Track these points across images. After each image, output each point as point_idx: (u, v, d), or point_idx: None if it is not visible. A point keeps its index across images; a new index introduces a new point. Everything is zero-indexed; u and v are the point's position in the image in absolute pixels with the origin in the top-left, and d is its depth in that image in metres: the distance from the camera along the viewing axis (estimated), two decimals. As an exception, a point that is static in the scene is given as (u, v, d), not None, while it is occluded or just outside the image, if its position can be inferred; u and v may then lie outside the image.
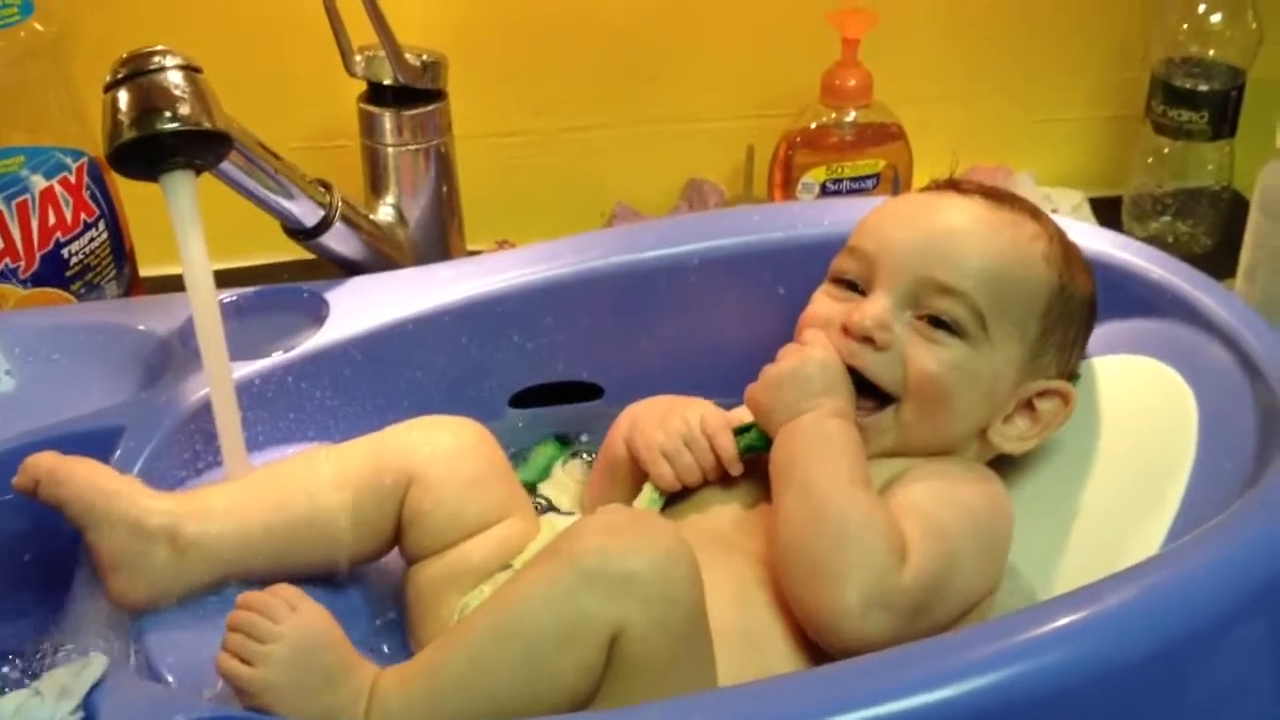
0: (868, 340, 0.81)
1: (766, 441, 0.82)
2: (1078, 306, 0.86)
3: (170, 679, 0.73)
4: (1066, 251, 0.86)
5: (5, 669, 0.78)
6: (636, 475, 0.87)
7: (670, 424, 0.85)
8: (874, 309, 0.82)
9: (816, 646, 0.74)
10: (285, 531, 0.79)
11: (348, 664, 0.68)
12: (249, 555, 0.78)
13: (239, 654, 0.66)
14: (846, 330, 0.82)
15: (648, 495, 0.85)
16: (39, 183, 1.03)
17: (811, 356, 0.81)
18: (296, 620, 0.67)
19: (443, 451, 0.82)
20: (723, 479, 0.85)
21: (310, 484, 0.81)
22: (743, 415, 0.85)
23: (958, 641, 0.68)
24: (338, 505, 0.80)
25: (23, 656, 0.78)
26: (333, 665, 0.67)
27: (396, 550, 0.84)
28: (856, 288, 0.85)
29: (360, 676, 0.68)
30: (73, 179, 1.06)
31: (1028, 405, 0.84)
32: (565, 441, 1.00)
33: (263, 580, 0.75)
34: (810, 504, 0.76)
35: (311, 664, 0.67)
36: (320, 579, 0.81)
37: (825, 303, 0.85)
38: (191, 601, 0.77)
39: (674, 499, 0.85)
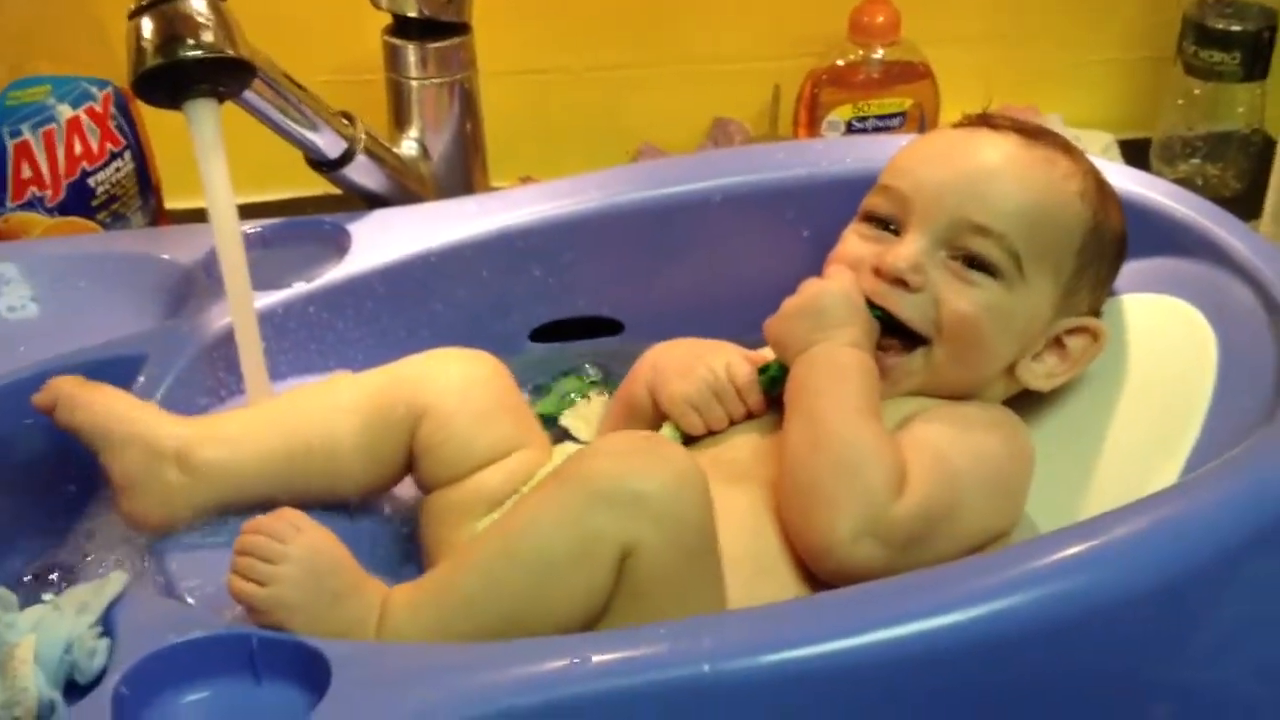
0: (900, 282, 0.81)
1: (787, 373, 0.81)
2: (1110, 243, 0.85)
3: (190, 602, 0.74)
4: (1100, 187, 0.85)
5: (27, 584, 0.80)
6: (657, 418, 0.87)
7: (696, 373, 0.84)
8: (907, 250, 0.81)
9: (826, 575, 0.75)
10: (298, 457, 0.80)
11: (357, 582, 0.69)
12: (261, 479, 0.79)
13: (249, 577, 0.67)
14: (878, 272, 0.81)
15: (668, 432, 0.85)
16: (65, 112, 1.04)
17: (829, 289, 0.81)
18: (303, 540, 0.68)
19: (455, 384, 0.83)
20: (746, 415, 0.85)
21: (324, 412, 0.81)
22: (767, 354, 0.85)
23: (963, 570, 0.68)
24: (350, 434, 0.81)
25: (44, 573, 0.80)
26: (342, 583, 0.68)
27: (410, 480, 0.85)
28: (888, 226, 0.84)
29: (369, 595, 0.69)
30: (99, 109, 1.06)
31: (1057, 342, 0.84)
32: (589, 375, 1.01)
33: (275, 505, 0.75)
34: (813, 431, 0.76)
35: (321, 582, 0.68)
36: (333, 506, 0.82)
37: (856, 242, 0.85)
38: (211, 526, 0.78)
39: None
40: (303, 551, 0.68)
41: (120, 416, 0.77)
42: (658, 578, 0.67)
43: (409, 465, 0.83)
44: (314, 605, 0.67)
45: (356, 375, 0.85)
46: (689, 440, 0.85)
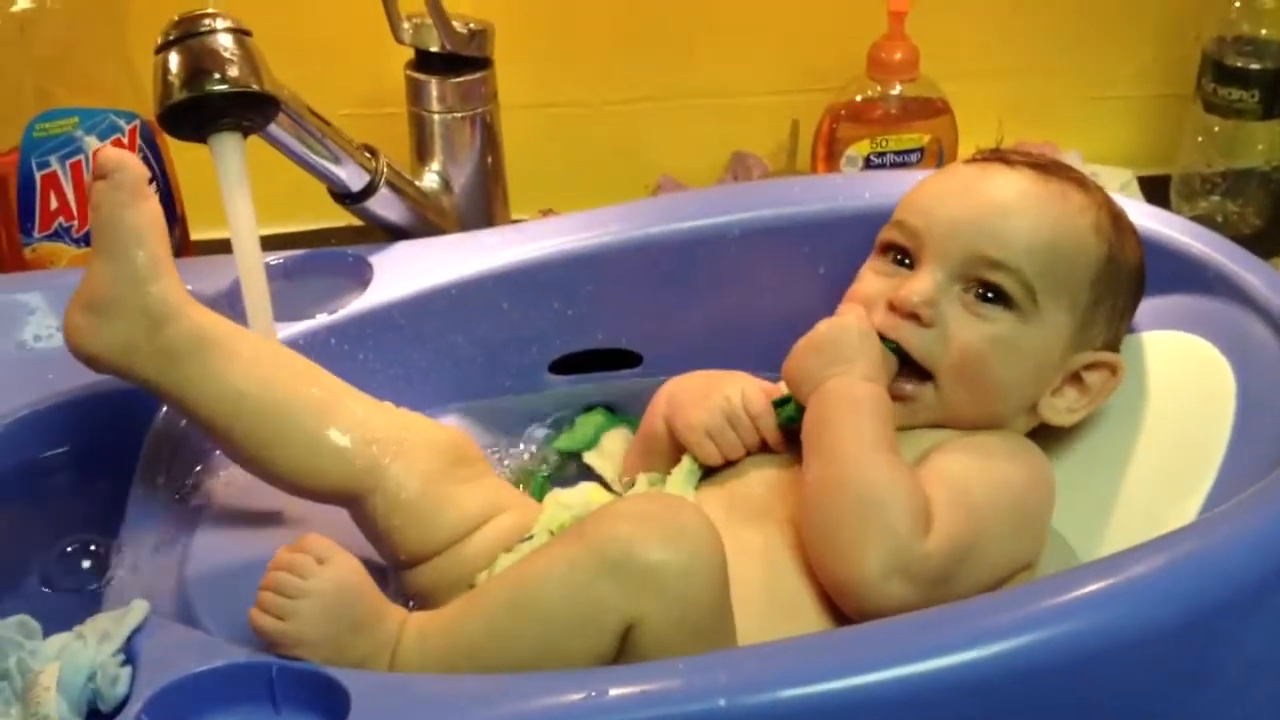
0: (913, 317, 0.81)
1: (803, 412, 0.82)
2: (1127, 276, 0.85)
3: (211, 631, 0.74)
4: (1116, 220, 0.85)
5: (51, 612, 0.80)
6: (675, 452, 0.87)
7: (712, 401, 0.85)
8: (920, 285, 0.81)
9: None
10: (270, 418, 0.78)
11: (377, 612, 0.69)
12: (223, 405, 0.77)
13: (270, 610, 0.67)
14: (892, 306, 0.82)
15: (686, 466, 0.85)
16: (93, 143, 1.05)
17: (840, 324, 0.81)
18: (326, 574, 0.68)
19: (414, 468, 0.79)
20: (762, 446, 0.85)
21: (331, 407, 0.79)
22: (784, 387, 0.85)
23: (982, 606, 0.68)
24: (330, 443, 0.78)
25: (68, 601, 0.80)
26: (362, 615, 0.68)
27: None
28: (903, 262, 0.84)
29: (388, 624, 0.69)
30: (125, 141, 1.07)
31: (1075, 377, 0.84)
32: (613, 411, 1.00)
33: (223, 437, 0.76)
34: (833, 470, 0.76)
35: (341, 616, 0.67)
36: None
37: (872, 279, 0.85)
38: (237, 560, 0.79)
39: (712, 467, 0.86)
40: (324, 585, 0.67)
41: (149, 241, 0.76)
42: (662, 653, 0.66)
43: (347, 504, 0.81)
44: (334, 639, 0.67)
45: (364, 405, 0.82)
46: (707, 474, 0.85)
